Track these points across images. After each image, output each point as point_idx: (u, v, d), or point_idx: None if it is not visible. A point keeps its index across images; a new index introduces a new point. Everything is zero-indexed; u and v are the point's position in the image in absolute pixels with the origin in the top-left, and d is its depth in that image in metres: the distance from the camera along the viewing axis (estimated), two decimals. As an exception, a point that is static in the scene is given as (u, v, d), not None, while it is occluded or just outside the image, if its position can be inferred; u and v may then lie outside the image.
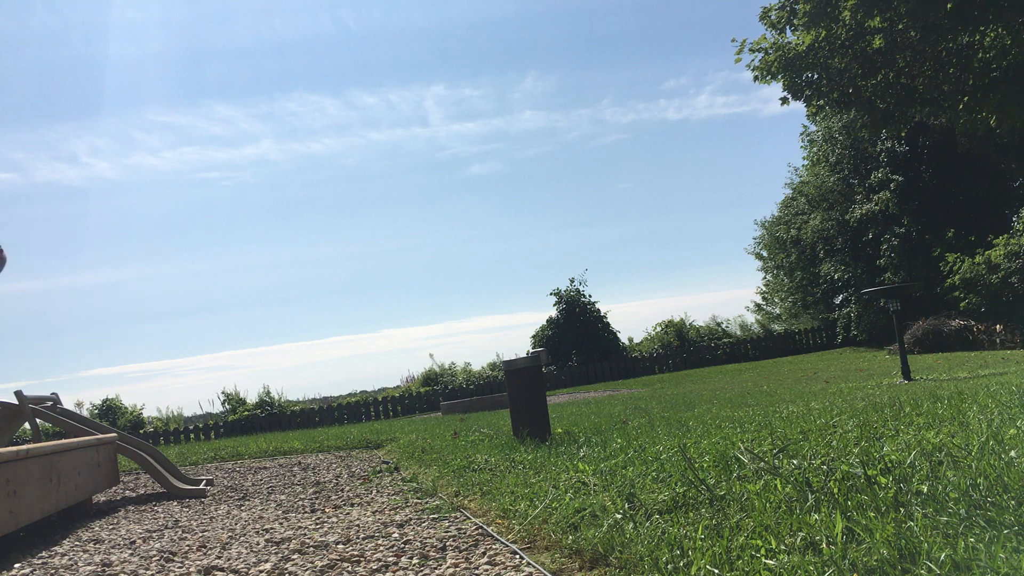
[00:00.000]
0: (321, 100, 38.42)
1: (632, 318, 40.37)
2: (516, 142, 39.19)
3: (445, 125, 38.85)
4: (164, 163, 34.72)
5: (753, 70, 10.73)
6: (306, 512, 3.65)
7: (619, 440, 4.24)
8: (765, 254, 22.13)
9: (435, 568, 2.31)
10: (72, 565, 2.91)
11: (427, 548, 2.56)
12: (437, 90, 39.13)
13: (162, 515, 4.10)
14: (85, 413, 16.39)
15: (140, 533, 3.53)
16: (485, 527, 2.77)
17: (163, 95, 35.17)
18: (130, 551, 3.10)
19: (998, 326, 13.73)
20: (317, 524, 3.27)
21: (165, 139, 35.16)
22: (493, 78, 40.06)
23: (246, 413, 18.19)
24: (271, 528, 3.30)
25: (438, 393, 18.86)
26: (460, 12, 40.74)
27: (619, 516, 2.32)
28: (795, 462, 2.62)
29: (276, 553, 2.75)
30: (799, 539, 1.81)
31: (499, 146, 39.09)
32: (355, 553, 2.60)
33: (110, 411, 18.05)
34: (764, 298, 23.56)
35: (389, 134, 38.85)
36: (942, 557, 1.52)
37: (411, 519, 3.14)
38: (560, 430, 5.35)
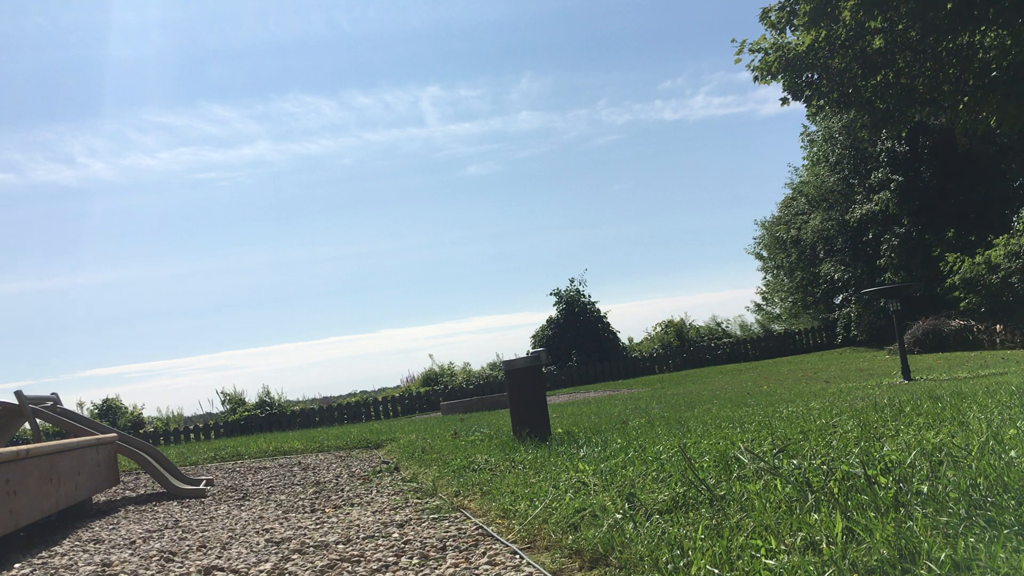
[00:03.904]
0: (317, 101, 38.43)
1: (632, 318, 40.37)
2: (513, 143, 39.20)
3: (442, 126, 38.86)
4: (160, 164, 34.72)
5: (753, 70, 10.74)
6: (306, 512, 3.65)
7: (619, 440, 4.24)
8: (765, 254, 22.14)
9: (435, 568, 2.31)
10: (72, 565, 2.91)
11: (427, 548, 2.56)
12: (433, 91, 39.14)
13: (162, 515, 4.10)
14: (86, 413, 16.38)
15: (140, 533, 3.53)
16: (485, 527, 2.77)
17: (160, 96, 35.21)
18: (130, 551, 3.10)
19: (998, 326, 13.73)
20: (317, 524, 3.27)
21: (161, 140, 35.17)
22: (489, 79, 40.06)
23: (246, 413, 18.19)
24: (271, 528, 3.30)
25: (438, 393, 18.86)
26: (455, 13, 40.76)
27: (619, 516, 2.32)
28: (795, 462, 2.62)
29: (276, 553, 2.75)
30: (799, 539, 1.81)
31: (496, 146, 39.09)
32: (355, 553, 2.60)
33: (110, 411, 18.05)
34: (764, 298, 23.57)
35: (386, 135, 38.87)
36: (942, 557, 1.52)
37: (411, 519, 3.14)
38: (560, 430, 5.35)
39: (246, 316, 36.50)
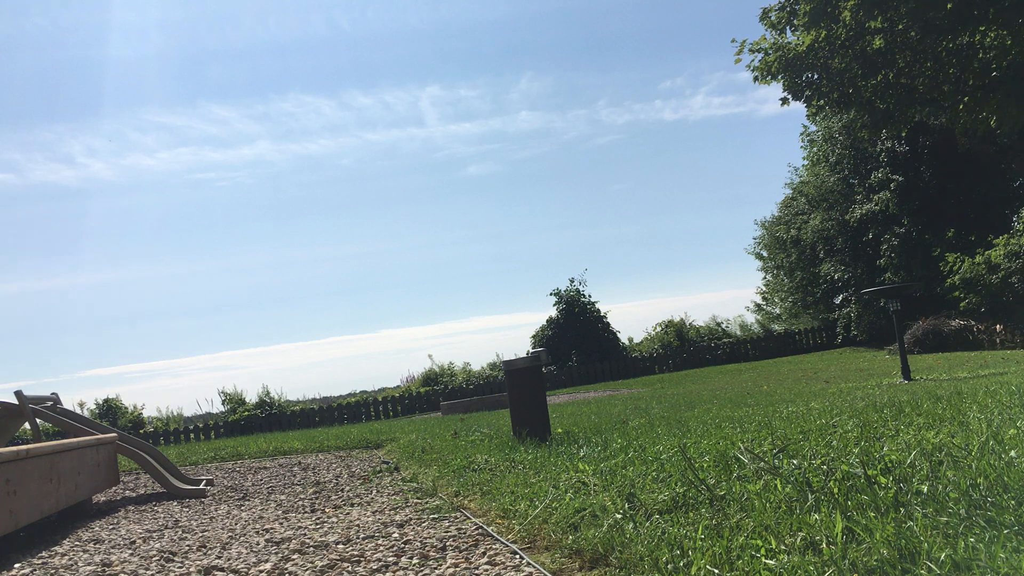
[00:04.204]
0: (317, 101, 38.44)
1: (632, 318, 40.39)
2: (513, 143, 39.21)
3: (442, 126, 38.87)
4: (160, 164, 34.75)
5: (753, 70, 10.74)
6: (306, 512, 3.65)
7: (619, 440, 4.24)
8: (765, 254, 22.14)
9: (435, 568, 2.31)
10: (72, 565, 2.91)
11: (427, 548, 2.56)
12: (433, 91, 39.16)
13: (162, 515, 4.10)
14: (86, 413, 16.38)
15: (140, 533, 3.53)
16: (485, 527, 2.77)
17: (160, 96, 35.23)
18: (130, 551, 3.10)
19: (998, 326, 13.73)
20: (317, 524, 3.27)
21: (161, 140, 35.19)
22: (489, 79, 40.09)
23: (246, 413, 18.19)
24: (271, 528, 3.30)
25: (438, 393, 18.86)
26: (454, 13, 40.78)
27: (619, 516, 2.32)
28: (795, 462, 2.62)
29: (276, 553, 2.75)
30: (799, 539, 1.81)
31: (496, 147, 39.10)
32: (355, 553, 2.60)
33: (110, 411, 18.05)
34: (764, 298, 23.58)
35: (385, 135, 38.89)
36: (942, 557, 1.52)
37: (411, 519, 3.14)
38: (560, 430, 5.35)
39: (246, 316, 36.52)
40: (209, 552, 2.93)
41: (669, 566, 1.83)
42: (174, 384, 30.85)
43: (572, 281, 21.43)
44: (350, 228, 38.17)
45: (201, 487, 4.98)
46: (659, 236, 36.54)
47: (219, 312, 36.84)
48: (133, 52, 35.05)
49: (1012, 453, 2.25)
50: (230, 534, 3.27)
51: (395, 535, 2.83)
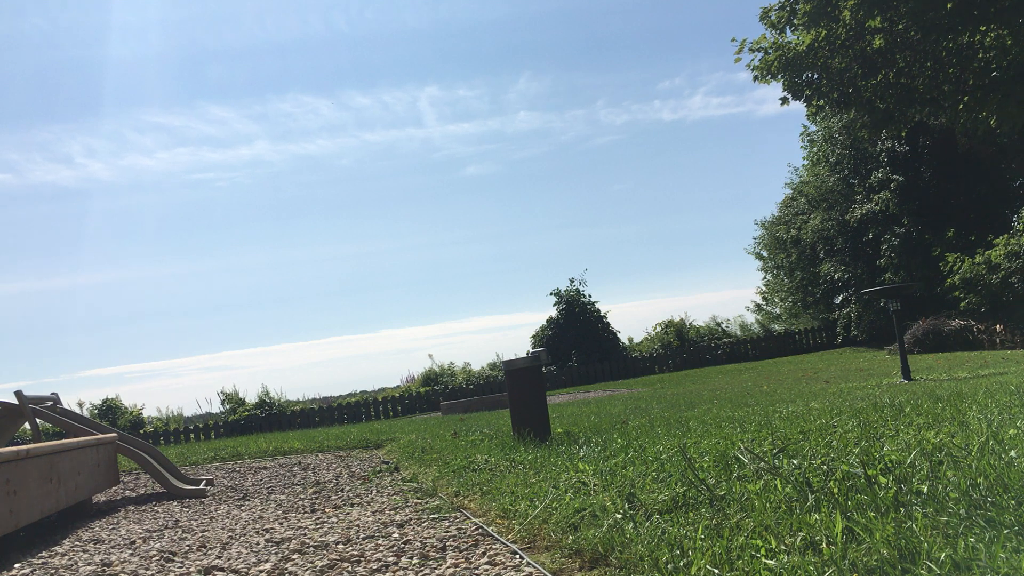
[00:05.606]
0: (315, 101, 38.46)
1: (632, 318, 40.40)
2: (512, 143, 39.23)
3: (440, 126, 38.88)
4: (158, 164, 34.76)
5: (753, 70, 10.74)
6: (306, 512, 3.65)
7: (619, 440, 4.23)
8: (765, 254, 22.13)
9: (435, 568, 2.31)
10: (72, 565, 2.91)
11: (427, 548, 2.56)
12: (431, 91, 39.18)
13: (162, 515, 4.10)
14: (86, 413, 16.38)
15: (140, 533, 3.53)
16: (485, 527, 2.77)
17: (159, 96, 35.26)
18: (130, 551, 3.10)
19: (998, 326, 13.73)
20: (317, 524, 3.27)
21: (159, 140, 35.21)
22: (487, 79, 40.12)
23: (246, 413, 18.18)
24: (271, 528, 3.30)
25: (438, 393, 18.86)
26: (452, 13, 40.80)
27: (619, 516, 2.32)
28: (795, 462, 2.62)
29: (276, 553, 2.75)
30: (799, 539, 1.81)
31: (495, 147, 39.11)
32: (355, 553, 2.60)
33: (110, 411, 18.04)
34: (764, 298, 23.57)
35: (384, 135, 38.91)
36: (942, 557, 1.52)
37: (411, 519, 3.14)
38: (560, 430, 5.35)
39: (246, 316, 36.53)
40: (209, 552, 2.93)
41: (669, 566, 1.83)
42: (174, 384, 30.87)
43: (572, 281, 21.46)
44: (350, 228, 38.19)
45: (201, 487, 4.98)
46: (659, 236, 36.56)
47: (219, 312, 36.86)
48: (132, 52, 35.08)
49: (1012, 453, 2.25)
50: (230, 534, 3.27)
51: (395, 535, 2.83)
